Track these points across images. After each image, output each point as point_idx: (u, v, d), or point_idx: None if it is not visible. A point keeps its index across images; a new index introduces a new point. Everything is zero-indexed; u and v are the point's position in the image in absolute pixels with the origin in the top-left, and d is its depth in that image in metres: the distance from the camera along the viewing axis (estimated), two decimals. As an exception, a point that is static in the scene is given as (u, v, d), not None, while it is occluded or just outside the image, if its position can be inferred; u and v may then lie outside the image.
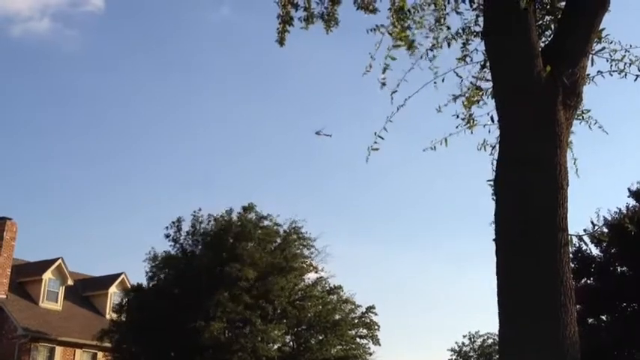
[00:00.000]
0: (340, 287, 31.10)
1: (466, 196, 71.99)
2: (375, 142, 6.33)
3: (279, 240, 30.01)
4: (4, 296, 31.81)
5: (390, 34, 6.44)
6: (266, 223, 29.83)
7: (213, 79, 68.24)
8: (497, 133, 5.78)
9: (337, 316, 30.08)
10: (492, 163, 5.84)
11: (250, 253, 27.63)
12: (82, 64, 65.10)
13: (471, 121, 6.80)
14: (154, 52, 67.14)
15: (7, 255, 32.41)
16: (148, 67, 66.29)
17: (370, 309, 31.27)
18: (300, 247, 30.46)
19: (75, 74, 64.13)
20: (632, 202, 24.99)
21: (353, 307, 31.12)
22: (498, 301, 5.23)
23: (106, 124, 65.72)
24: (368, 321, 31.17)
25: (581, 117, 6.54)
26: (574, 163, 6.45)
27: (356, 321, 30.87)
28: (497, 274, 5.26)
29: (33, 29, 66.29)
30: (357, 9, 7.02)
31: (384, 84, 6.31)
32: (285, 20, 7.10)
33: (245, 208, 29.71)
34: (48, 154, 63.80)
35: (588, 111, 6.62)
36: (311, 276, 30.88)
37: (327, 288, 31.07)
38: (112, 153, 65.50)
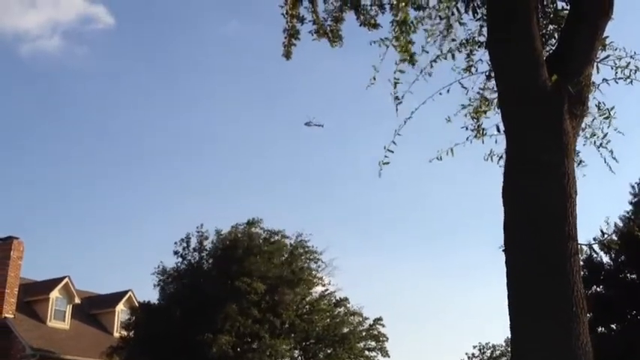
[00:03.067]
0: (347, 299, 31.05)
1: (476, 207, 71.66)
2: (386, 157, 6.34)
3: (286, 254, 30.04)
4: (12, 316, 31.78)
5: (395, 46, 6.46)
6: (276, 238, 29.91)
7: (221, 92, 68.52)
8: (504, 143, 5.77)
9: (345, 329, 29.98)
10: (500, 174, 5.81)
11: (259, 267, 27.66)
12: (92, 82, 65.37)
13: (480, 131, 6.80)
14: (163, 67, 67.37)
15: (14, 274, 32.40)
16: (157, 83, 66.54)
17: (378, 321, 31.15)
18: (307, 260, 30.47)
19: (85, 91, 64.42)
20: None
21: (361, 319, 31.03)
22: (509, 311, 5.20)
23: (115, 142, 65.94)
24: (376, 333, 31.03)
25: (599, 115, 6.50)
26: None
27: (364, 333, 30.74)
28: (508, 284, 5.24)
29: (43, 47, 66.67)
30: (360, 25, 7.06)
31: (397, 98, 6.34)
32: (292, 34, 7.15)
33: (250, 223, 29.78)
34: (55, 173, 64.00)
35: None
36: (318, 289, 30.87)
37: (334, 301, 31.00)
38: (120, 171, 65.65)
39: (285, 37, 7.17)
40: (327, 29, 7.23)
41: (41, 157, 62.95)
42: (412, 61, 6.38)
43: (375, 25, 7.04)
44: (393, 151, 6.35)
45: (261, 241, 29.36)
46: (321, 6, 7.22)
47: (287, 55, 7.24)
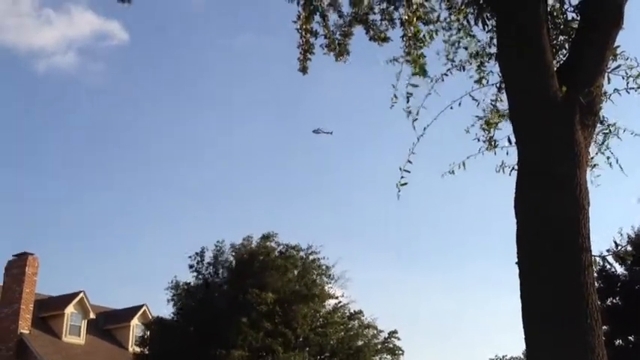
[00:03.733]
0: (361, 312, 30.91)
1: (489, 219, 71.25)
2: (402, 177, 6.30)
3: (299, 267, 29.99)
4: (27, 331, 31.91)
5: (408, 62, 6.49)
6: (292, 252, 29.89)
7: (235, 104, 68.89)
8: (516, 154, 5.74)
9: (360, 342, 29.84)
10: (512, 186, 5.79)
11: (272, 282, 27.62)
12: (106, 98, 65.98)
13: (492, 143, 6.78)
14: (177, 82, 67.96)
15: (30, 290, 32.55)
16: (171, 98, 67.09)
17: (393, 334, 30.99)
18: (319, 274, 30.37)
19: (99, 108, 64.97)
20: None
21: (375, 332, 30.87)
22: (524, 324, 5.16)
23: (128, 156, 66.35)
24: (391, 346, 30.87)
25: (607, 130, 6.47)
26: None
27: (379, 346, 30.58)
28: (522, 297, 5.20)
29: (58, 64, 67.35)
30: (370, 40, 7.09)
31: (409, 112, 6.34)
32: (306, 49, 7.19)
33: (265, 237, 29.78)
34: (69, 188, 64.43)
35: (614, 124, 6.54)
36: (331, 302, 30.75)
37: (348, 314, 30.87)
38: (134, 186, 66.00)
39: (300, 53, 7.22)
40: (335, 43, 7.28)
41: (55, 173, 63.46)
42: (424, 74, 6.39)
43: (385, 39, 7.07)
44: (409, 171, 6.31)
45: (276, 254, 29.34)
46: (333, 19, 7.27)
47: (303, 70, 7.29)
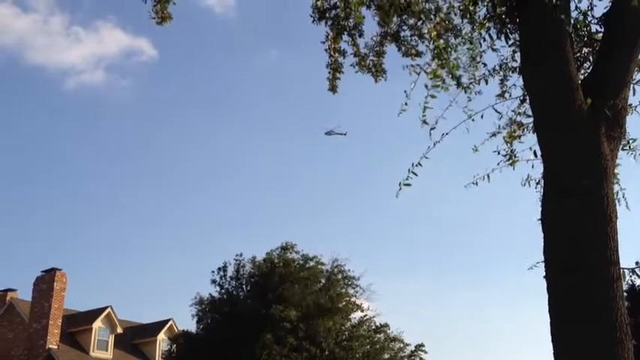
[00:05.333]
0: (387, 325, 30.74)
1: (519, 231, 70.43)
2: (408, 177, 6.31)
3: (323, 280, 29.95)
4: (56, 347, 32.21)
5: (427, 72, 6.51)
6: (311, 263, 29.89)
7: (261, 118, 69.36)
8: (541, 167, 5.74)
9: (386, 356, 29.67)
10: (539, 199, 5.77)
11: (294, 295, 27.62)
12: (135, 113, 66.75)
13: (513, 157, 6.77)
14: (206, 98, 68.60)
15: (58, 305, 32.90)
16: (199, 113, 67.65)
17: (419, 347, 30.78)
18: (345, 286, 30.30)
19: (128, 123, 65.72)
20: None
21: (401, 345, 30.69)
22: (552, 339, 5.13)
23: (157, 172, 66.95)
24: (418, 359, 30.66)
25: (627, 147, 6.45)
26: (622, 195, 6.33)
27: (406, 360, 30.41)
28: (550, 311, 5.17)
29: (87, 81, 68.32)
30: (403, 56, 7.13)
31: (425, 122, 6.36)
32: (335, 68, 7.25)
33: (284, 248, 29.84)
34: (97, 203, 65.12)
35: (634, 140, 6.53)
36: (356, 315, 30.64)
37: (373, 327, 30.72)
38: (161, 201, 66.50)
39: (330, 72, 7.28)
40: (370, 64, 7.33)
41: (83, 189, 64.16)
42: (445, 87, 6.41)
43: (418, 54, 7.10)
44: (417, 174, 6.32)
45: (297, 266, 29.32)
46: (363, 38, 7.31)
47: (333, 89, 7.35)
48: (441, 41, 6.59)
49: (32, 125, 64.15)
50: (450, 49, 6.58)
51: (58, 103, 64.13)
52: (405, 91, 6.45)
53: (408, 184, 6.28)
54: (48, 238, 62.01)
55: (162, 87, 68.07)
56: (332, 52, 7.11)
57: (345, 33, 7.07)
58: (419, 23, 6.93)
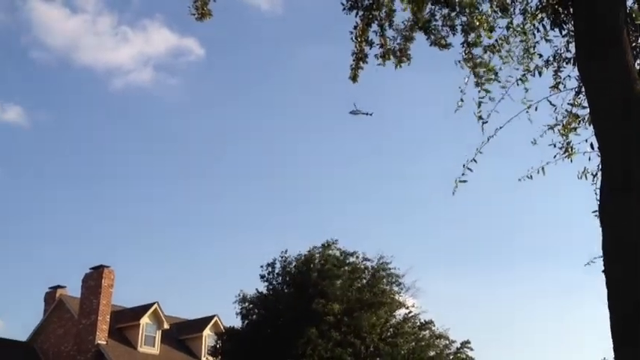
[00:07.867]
0: (432, 322, 30.51)
1: (571, 225, 68.97)
2: (463, 174, 6.25)
3: (367, 277, 29.89)
4: (105, 342, 32.82)
5: (474, 68, 6.43)
6: (352, 259, 29.86)
7: (308, 114, 69.58)
8: (598, 160, 5.61)
9: (432, 353, 29.44)
10: (595, 192, 5.65)
11: (336, 290, 27.64)
12: (183, 112, 67.55)
13: (570, 149, 6.64)
14: (252, 97, 69.07)
15: (106, 302, 33.50)
16: (246, 111, 68.14)
17: (465, 344, 30.44)
18: (389, 283, 30.18)
19: (176, 122, 66.51)
20: None
21: (447, 342, 30.41)
22: (612, 335, 5.02)
23: (206, 169, 67.68)
24: (464, 357, 30.33)
25: None
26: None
27: (451, 357, 30.11)
28: (610, 307, 5.06)
29: (134, 81, 69.34)
30: (431, 45, 7.06)
31: (480, 117, 6.27)
32: (359, 57, 7.21)
33: (325, 246, 29.88)
34: (146, 201, 66.08)
35: None
36: (401, 312, 30.49)
37: (419, 323, 30.52)
38: (207, 197, 67.13)
39: (353, 60, 7.24)
40: (396, 48, 7.26)
41: (132, 186, 65.22)
42: (496, 79, 6.33)
43: (446, 46, 7.03)
44: (472, 170, 6.24)
45: (336, 263, 29.29)
46: (389, 31, 7.27)
47: (353, 77, 7.32)
48: (481, 35, 6.49)
49: (81, 124, 65.47)
50: (497, 42, 6.49)
51: (107, 102, 65.30)
52: (460, 87, 6.38)
53: (464, 181, 6.22)
54: (96, 234, 63.25)
55: (211, 85, 68.70)
56: (359, 41, 7.07)
57: (375, 23, 7.03)
58: (452, 14, 6.85)
